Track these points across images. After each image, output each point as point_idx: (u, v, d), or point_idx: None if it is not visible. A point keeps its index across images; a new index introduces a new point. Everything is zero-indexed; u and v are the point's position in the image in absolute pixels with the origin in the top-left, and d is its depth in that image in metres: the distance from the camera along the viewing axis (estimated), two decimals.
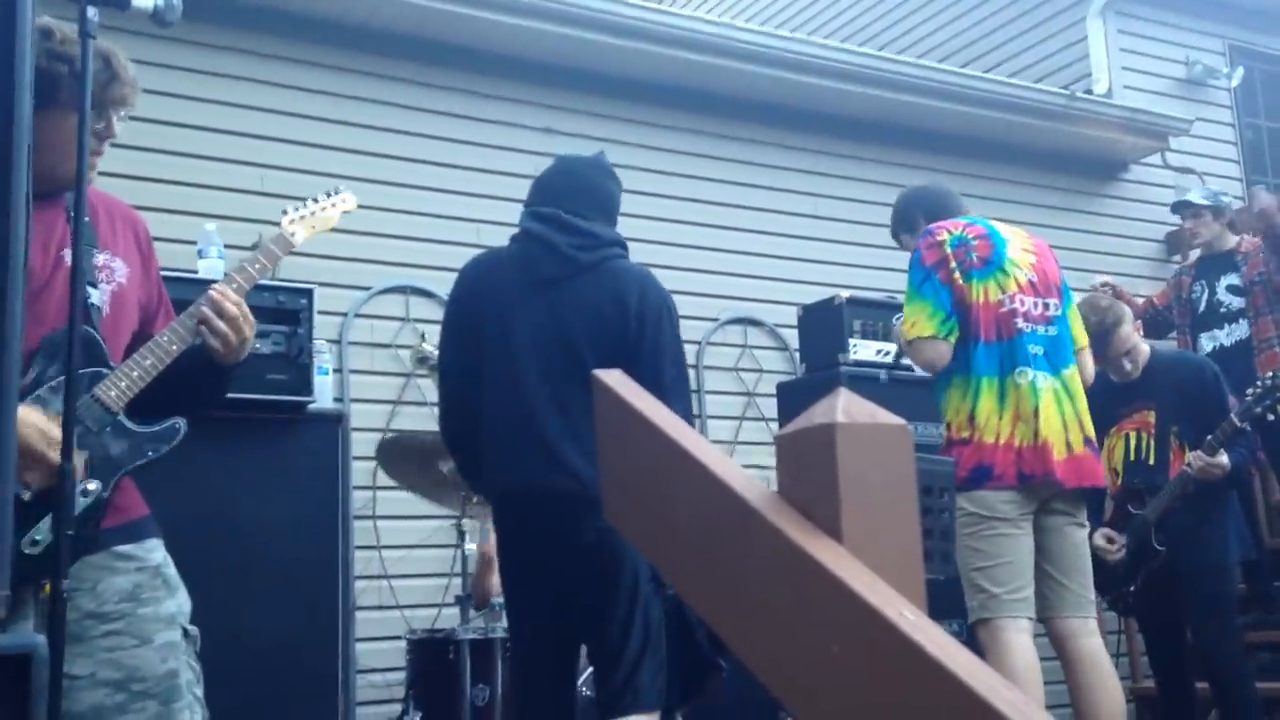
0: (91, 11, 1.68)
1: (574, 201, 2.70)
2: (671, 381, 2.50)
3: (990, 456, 3.05)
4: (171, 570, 2.01)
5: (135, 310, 2.08)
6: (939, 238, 3.23)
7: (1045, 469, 3.07)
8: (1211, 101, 7.05)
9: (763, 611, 1.01)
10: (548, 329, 2.57)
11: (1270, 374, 3.87)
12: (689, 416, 2.65)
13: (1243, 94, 7.20)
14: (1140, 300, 5.36)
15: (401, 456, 3.59)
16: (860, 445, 1.01)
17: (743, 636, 1.06)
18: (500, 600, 3.53)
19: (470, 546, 3.50)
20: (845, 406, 1.02)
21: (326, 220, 2.36)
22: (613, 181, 2.80)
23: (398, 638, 3.91)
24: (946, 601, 3.19)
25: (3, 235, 1.19)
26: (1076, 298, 3.55)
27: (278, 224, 2.32)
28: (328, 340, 4.28)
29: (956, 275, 3.16)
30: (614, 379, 1.30)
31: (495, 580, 3.63)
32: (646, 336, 2.54)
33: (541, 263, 2.63)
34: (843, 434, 0.99)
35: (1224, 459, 3.86)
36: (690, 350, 5.15)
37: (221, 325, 2.02)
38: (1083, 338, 3.41)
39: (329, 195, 2.39)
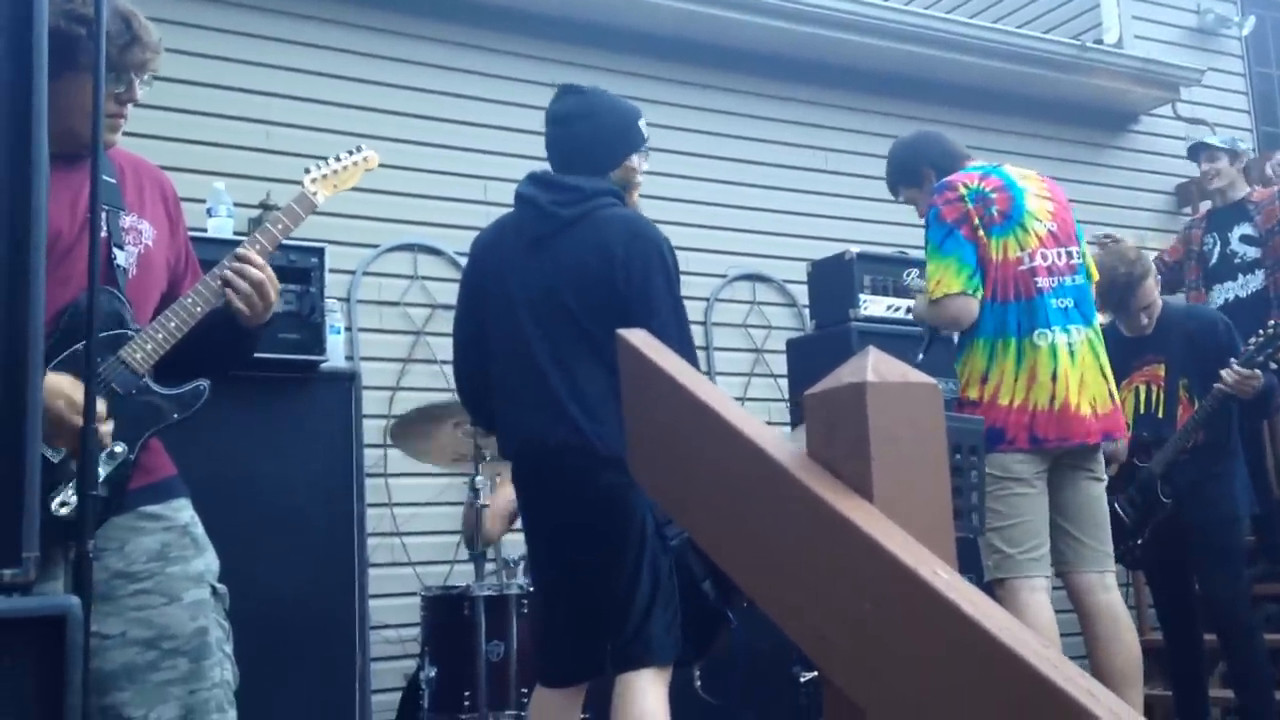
0: None
1: (565, 154, 2.70)
2: (671, 332, 2.44)
3: (1003, 419, 3.01)
4: (199, 529, 2.02)
5: (163, 272, 2.07)
6: (958, 192, 3.15)
7: (1062, 432, 3.04)
8: (1223, 51, 6.97)
9: (793, 570, 1.01)
10: (540, 287, 2.58)
11: (1272, 323, 3.86)
12: (695, 365, 2.60)
13: (1254, 43, 7.12)
14: (1151, 254, 5.33)
15: (416, 435, 3.59)
16: (891, 404, 1.00)
17: (772, 594, 1.06)
18: (514, 556, 3.56)
19: (484, 500, 3.50)
20: (875, 365, 1.01)
21: (349, 178, 2.33)
22: (584, 121, 2.69)
23: (411, 594, 3.95)
24: (961, 557, 3.19)
25: (24, 209, 1.18)
26: (1091, 250, 3.50)
27: (285, 181, 2.30)
28: (337, 299, 4.28)
29: (980, 232, 3.08)
30: (638, 338, 1.29)
31: (493, 528, 3.63)
32: (634, 285, 2.51)
33: (529, 223, 2.65)
34: (873, 393, 0.99)
35: (1259, 374, 3.83)
36: (698, 307, 5.17)
37: (246, 286, 2.01)
38: (1094, 270, 3.35)
39: (351, 154, 2.36)
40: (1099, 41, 6.42)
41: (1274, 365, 3.85)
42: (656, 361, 1.22)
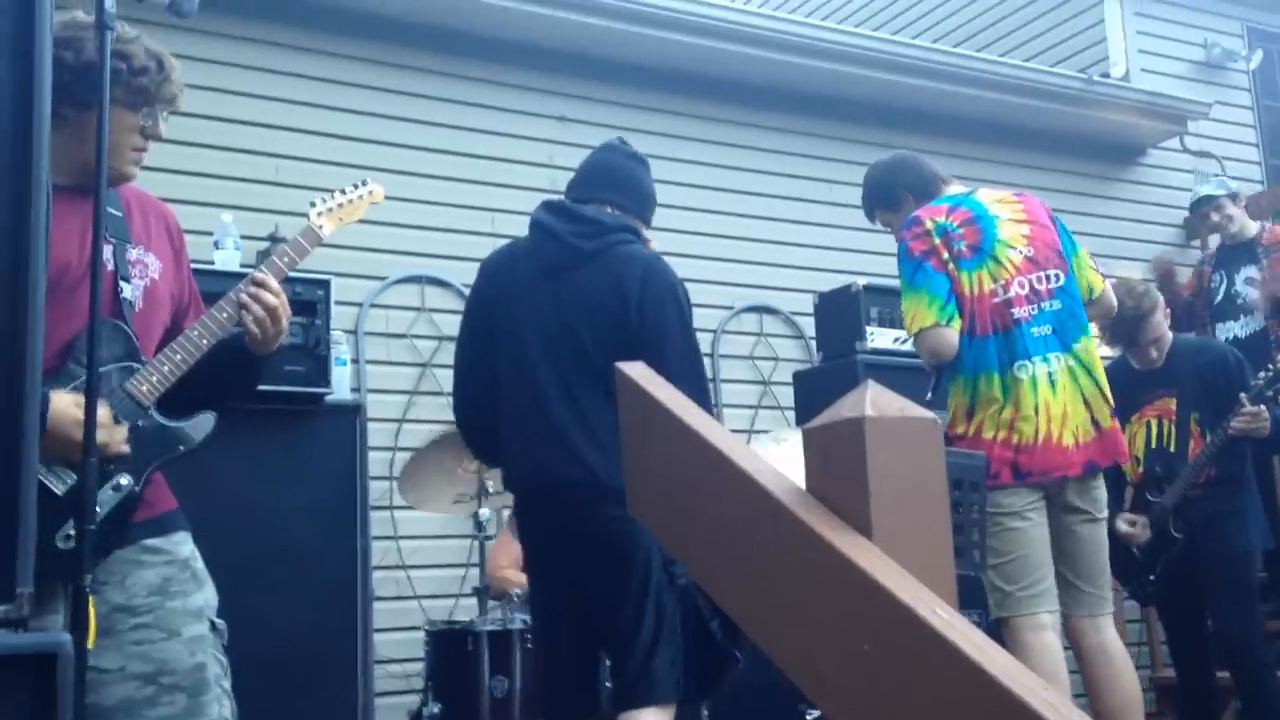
0: (109, 2, 1.67)
1: (585, 188, 2.70)
2: (679, 371, 2.42)
3: (988, 454, 2.93)
4: (199, 563, 2.02)
5: (168, 305, 2.08)
6: (924, 226, 3.09)
7: (1045, 465, 2.99)
8: (1230, 84, 6.98)
9: (791, 607, 1.00)
10: (553, 319, 2.57)
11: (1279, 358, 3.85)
12: (704, 404, 2.60)
13: (1261, 76, 7.13)
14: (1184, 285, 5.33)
15: (420, 480, 3.58)
16: (889, 439, 0.99)
17: (770, 632, 1.04)
18: (519, 591, 3.53)
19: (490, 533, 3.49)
20: (874, 399, 1.00)
21: (354, 212, 2.34)
22: (628, 158, 2.77)
23: (415, 628, 3.92)
24: (966, 593, 3.15)
25: (24, 233, 1.18)
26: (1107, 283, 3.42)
27: (292, 214, 2.31)
28: (343, 330, 4.28)
29: (950, 265, 3.03)
30: (637, 371, 1.29)
31: (510, 573, 3.62)
32: (649, 326, 2.51)
33: (547, 252, 2.63)
34: (872, 428, 0.98)
35: (1264, 412, 3.80)
36: (705, 339, 5.16)
37: (260, 311, 2.02)
38: (1097, 281, 3.28)
39: (356, 187, 2.38)
40: (1106, 75, 6.44)
41: None
42: (655, 395, 1.22)
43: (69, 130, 1.83)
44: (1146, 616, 4.99)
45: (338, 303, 3.88)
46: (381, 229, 4.50)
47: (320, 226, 2.25)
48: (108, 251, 1.92)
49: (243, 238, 3.70)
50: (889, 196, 3.36)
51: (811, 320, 4.98)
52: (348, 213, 2.33)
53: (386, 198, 4.47)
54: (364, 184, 2.40)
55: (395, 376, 4.52)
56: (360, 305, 4.48)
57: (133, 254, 2.02)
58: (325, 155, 4.43)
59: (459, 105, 4.87)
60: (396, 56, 4.76)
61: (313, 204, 2.30)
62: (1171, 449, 4.02)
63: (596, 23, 4.97)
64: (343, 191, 2.36)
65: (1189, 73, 6.84)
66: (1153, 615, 4.94)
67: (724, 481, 1.08)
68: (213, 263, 3.56)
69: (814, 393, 4.49)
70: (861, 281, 4.57)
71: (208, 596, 2.01)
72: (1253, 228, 5.07)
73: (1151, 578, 4.03)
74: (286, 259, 2.15)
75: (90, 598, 1.58)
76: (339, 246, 4.25)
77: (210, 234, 3.73)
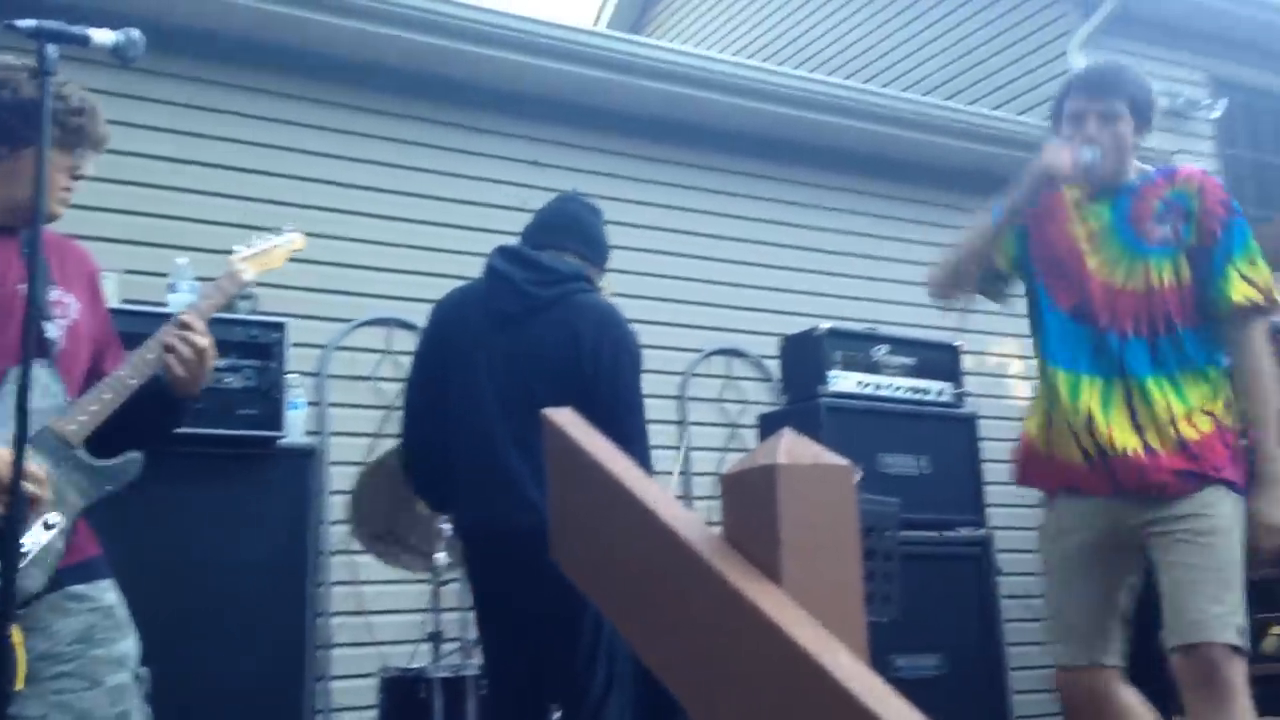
0: (51, 49, 1.68)
1: (541, 236, 2.71)
2: (629, 424, 2.46)
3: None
4: (124, 611, 1.99)
5: (89, 345, 2.08)
6: None
7: None
8: (1194, 133, 7.09)
9: (703, 655, 0.99)
10: (508, 364, 2.57)
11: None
12: (646, 456, 2.60)
13: (1224, 125, 7.25)
14: None
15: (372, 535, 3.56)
16: (802, 486, 0.99)
17: (683, 680, 1.03)
18: (474, 637, 3.49)
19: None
20: (788, 447, 1.00)
21: (276, 258, 2.38)
22: (583, 208, 2.80)
23: (375, 675, 3.87)
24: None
25: None
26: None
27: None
28: (307, 373, 4.26)
29: None
30: (563, 418, 1.29)
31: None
32: (602, 376, 2.52)
33: (502, 298, 2.63)
34: (784, 475, 0.98)
35: None
36: (674, 382, 5.17)
37: (188, 352, 2.02)
38: None
39: (277, 233, 2.41)
40: None
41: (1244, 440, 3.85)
42: (578, 440, 1.21)
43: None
44: None
45: (302, 345, 3.87)
46: (350, 271, 4.50)
47: (243, 271, 2.26)
48: (28, 290, 1.92)
49: (199, 279, 3.68)
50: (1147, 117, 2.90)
51: (778, 363, 4.99)
52: (270, 258, 2.36)
53: (356, 240, 4.54)
54: (285, 231, 2.44)
55: (360, 419, 4.49)
56: (324, 348, 4.46)
57: (54, 294, 2.01)
58: (292, 198, 4.43)
59: (430, 149, 4.89)
60: (366, 100, 4.78)
61: (235, 249, 2.32)
62: None
63: (568, 69, 5.01)
64: (263, 238, 2.39)
65: (1153, 120, 6.94)
66: None
67: (641, 527, 1.07)
68: (166, 304, 3.53)
69: None
70: (825, 325, 4.59)
71: (131, 645, 1.98)
72: None
73: None
74: (210, 301, 2.16)
75: (20, 640, 1.55)
76: (305, 289, 4.25)
77: (166, 275, 3.72)
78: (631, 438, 2.42)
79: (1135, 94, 2.76)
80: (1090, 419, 2.54)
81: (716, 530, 1.05)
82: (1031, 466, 2.69)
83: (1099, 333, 2.58)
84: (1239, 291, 2.59)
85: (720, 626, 0.96)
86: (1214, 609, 2.39)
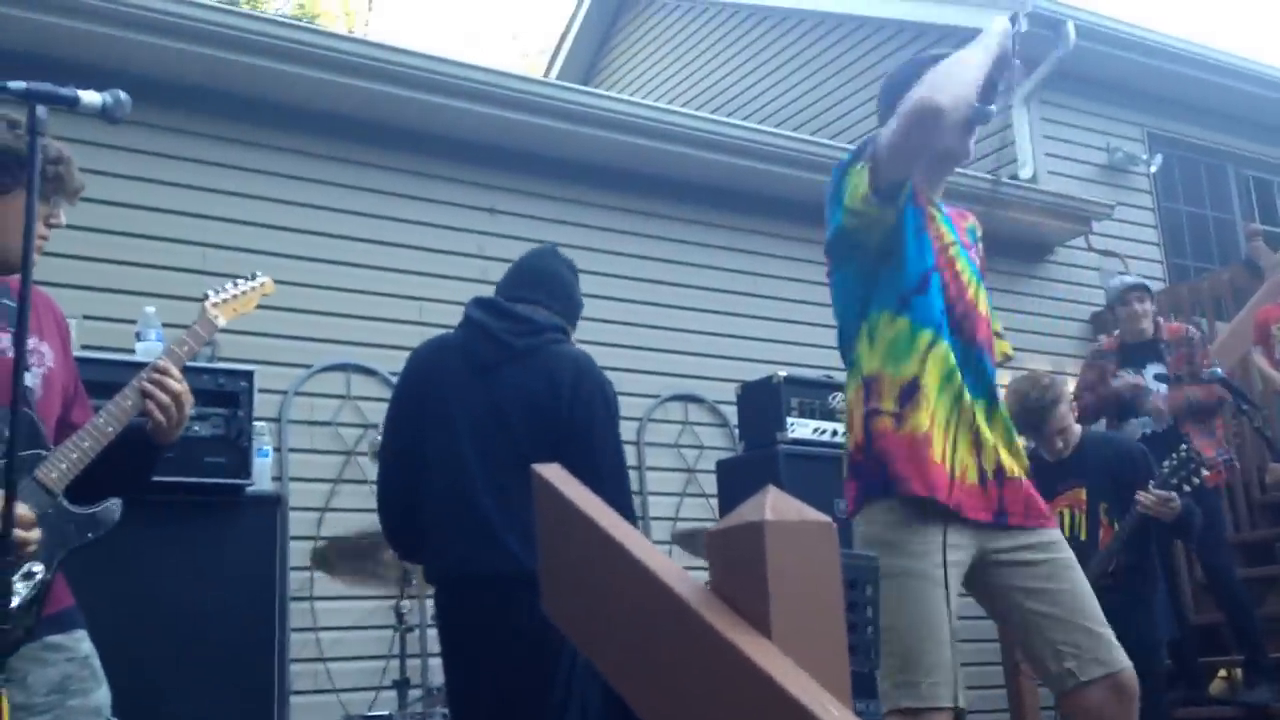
0: (41, 110, 1.71)
1: (517, 287, 2.76)
2: (608, 471, 2.50)
3: None
4: (97, 661, 2.01)
5: (60, 395, 2.10)
6: None
7: None
8: (1132, 187, 7.34)
9: (693, 704, 1.04)
10: (485, 414, 2.60)
11: (1184, 447, 3.99)
12: (628, 503, 2.65)
13: (1162, 179, 7.51)
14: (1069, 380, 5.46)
15: (339, 557, 3.56)
16: (787, 542, 1.05)
17: None
18: (437, 684, 3.50)
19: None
20: (773, 504, 1.06)
21: (247, 303, 2.41)
22: (561, 265, 2.84)
23: None
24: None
25: None
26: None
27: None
28: (267, 419, 4.26)
29: None
30: (553, 473, 1.34)
31: None
32: (579, 425, 2.56)
33: (479, 347, 2.67)
34: (771, 531, 1.04)
35: (1175, 497, 3.90)
36: (631, 427, 5.23)
37: (165, 398, 2.05)
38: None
39: (248, 279, 2.44)
40: (1015, 177, 6.73)
41: (1187, 488, 3.97)
42: (567, 495, 1.26)
43: None
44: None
45: (262, 390, 3.87)
46: (309, 317, 4.52)
47: (216, 317, 2.30)
48: (6, 339, 1.94)
49: (167, 325, 3.69)
50: None
51: (735, 409, 5.06)
52: (241, 304, 2.39)
53: (315, 286, 4.56)
54: (256, 276, 2.47)
55: (319, 465, 4.49)
56: (285, 393, 4.46)
57: (30, 343, 2.04)
58: (254, 244, 4.45)
59: (388, 196, 4.93)
60: (325, 148, 4.82)
61: (207, 295, 2.35)
62: (1083, 537, 4.14)
63: (525, 119, 5.09)
64: (235, 284, 2.42)
65: (1093, 175, 7.18)
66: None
67: (631, 580, 1.12)
68: (134, 352, 3.54)
69: (736, 482, 4.55)
70: (783, 372, 4.68)
71: (105, 694, 2.00)
72: (1150, 325, 5.27)
73: None
74: (185, 348, 2.19)
75: (3, 695, 1.56)
76: (266, 334, 4.26)
77: (134, 322, 3.72)
78: (610, 487, 2.46)
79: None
80: (978, 433, 2.36)
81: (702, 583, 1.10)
82: (926, 473, 2.30)
83: (974, 348, 2.44)
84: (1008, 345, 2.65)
85: (712, 676, 1.01)
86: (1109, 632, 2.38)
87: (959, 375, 2.38)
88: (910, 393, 2.34)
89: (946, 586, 2.27)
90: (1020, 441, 2.54)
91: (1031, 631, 2.39)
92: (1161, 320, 5.32)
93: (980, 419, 2.41)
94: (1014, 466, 2.42)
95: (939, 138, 2.32)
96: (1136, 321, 5.22)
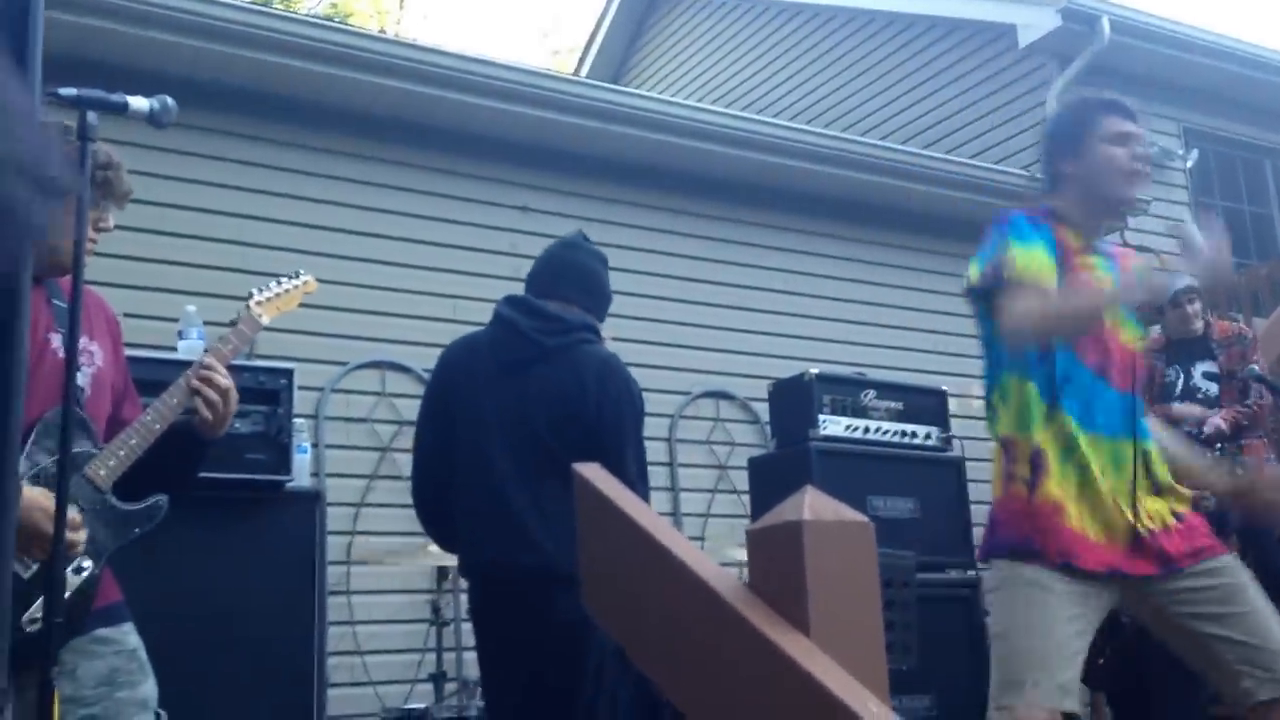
0: (91, 116, 1.75)
1: (548, 285, 2.77)
2: (627, 464, 2.53)
3: None
4: (144, 654, 2.05)
5: (110, 393, 2.15)
6: None
7: None
8: (1168, 182, 7.27)
9: (733, 702, 1.06)
10: (515, 411, 2.62)
11: (1218, 446, 3.96)
12: (647, 499, 2.67)
13: (1197, 174, 7.44)
14: None
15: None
16: (826, 541, 1.07)
17: None
18: (474, 678, 3.53)
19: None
20: (812, 504, 1.08)
21: (290, 301, 2.43)
22: (592, 257, 2.84)
23: (370, 715, 3.90)
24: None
25: (9, 324, 1.23)
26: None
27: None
28: (304, 416, 4.31)
29: None
30: (593, 473, 1.36)
31: None
32: (606, 424, 2.59)
33: (509, 345, 2.69)
34: (809, 531, 1.06)
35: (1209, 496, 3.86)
36: (663, 424, 5.25)
37: (213, 394, 2.08)
38: None
39: (291, 278, 2.47)
40: None
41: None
42: (610, 496, 1.29)
43: None
44: (1094, 701, 5.04)
45: (299, 387, 3.92)
46: (345, 315, 4.57)
47: (260, 315, 2.33)
48: (57, 340, 1.98)
49: (207, 324, 3.75)
50: None
51: (767, 405, 5.07)
52: (285, 302, 2.41)
53: (351, 284, 4.61)
54: (299, 274, 2.49)
55: (354, 461, 4.55)
56: (322, 390, 4.52)
57: (80, 342, 2.08)
58: (292, 244, 4.51)
59: (423, 195, 4.98)
60: (363, 148, 4.87)
61: (251, 294, 2.38)
62: None
63: (558, 118, 5.12)
64: (278, 282, 2.44)
65: None
66: (1100, 701, 4.99)
67: (671, 578, 1.15)
68: (176, 350, 3.60)
69: (768, 479, 4.56)
70: (815, 369, 4.68)
71: (152, 686, 2.05)
72: (1200, 323, 5.21)
73: (1101, 661, 4.09)
74: (230, 346, 2.22)
75: (55, 690, 1.60)
76: (302, 332, 4.32)
77: (175, 320, 3.78)
78: (639, 483, 2.49)
79: None
80: (1123, 489, 2.39)
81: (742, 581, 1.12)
82: (1059, 538, 2.36)
83: (1119, 392, 2.45)
84: None
85: (751, 673, 1.03)
86: None
87: (1081, 441, 2.39)
88: (1039, 463, 2.40)
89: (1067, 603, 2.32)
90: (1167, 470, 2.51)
91: (1210, 654, 2.43)
92: (1211, 318, 5.26)
93: (1125, 472, 2.42)
94: (1165, 513, 2.43)
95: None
96: (1188, 323, 5.16)
